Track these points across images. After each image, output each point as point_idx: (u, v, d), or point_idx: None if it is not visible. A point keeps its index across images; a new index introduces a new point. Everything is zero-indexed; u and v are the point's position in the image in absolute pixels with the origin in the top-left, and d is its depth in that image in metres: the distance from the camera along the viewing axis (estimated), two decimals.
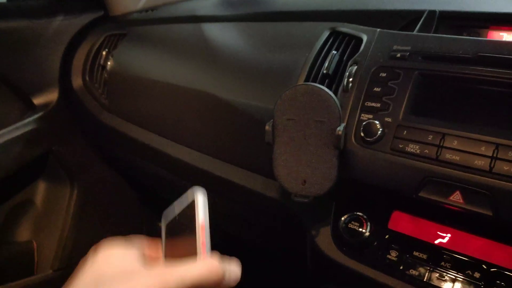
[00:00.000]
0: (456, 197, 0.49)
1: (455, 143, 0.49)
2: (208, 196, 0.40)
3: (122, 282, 0.34)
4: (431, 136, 0.50)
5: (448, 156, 0.49)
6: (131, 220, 1.22)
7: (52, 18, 0.97)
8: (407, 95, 0.53)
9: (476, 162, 0.47)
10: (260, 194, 0.67)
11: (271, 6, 0.87)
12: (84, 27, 1.01)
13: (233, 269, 0.38)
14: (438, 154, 0.49)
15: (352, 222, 0.59)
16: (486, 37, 0.61)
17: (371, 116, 0.55)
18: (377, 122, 0.53)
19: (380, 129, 0.53)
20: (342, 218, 0.60)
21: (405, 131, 0.52)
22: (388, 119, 0.53)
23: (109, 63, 0.92)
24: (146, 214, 1.21)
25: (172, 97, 0.79)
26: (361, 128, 0.54)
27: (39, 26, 0.95)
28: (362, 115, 0.55)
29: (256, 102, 0.67)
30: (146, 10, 1.03)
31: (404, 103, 0.53)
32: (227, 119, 0.72)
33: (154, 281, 0.34)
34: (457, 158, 0.48)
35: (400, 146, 0.52)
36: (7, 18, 0.92)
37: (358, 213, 0.60)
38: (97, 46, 0.96)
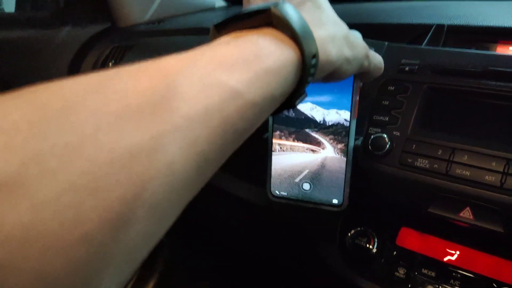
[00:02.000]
0: (466, 214, 0.48)
1: (465, 158, 0.48)
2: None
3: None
4: (441, 151, 0.49)
5: (458, 171, 0.48)
6: None
7: (59, 28, 0.98)
8: (415, 108, 0.53)
9: (486, 177, 0.47)
10: (264, 207, 0.66)
11: None
12: (91, 38, 1.02)
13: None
14: (448, 169, 0.49)
15: (359, 238, 0.58)
16: (495, 52, 0.60)
17: (379, 130, 0.54)
18: (385, 136, 0.53)
19: (389, 143, 0.52)
20: (349, 234, 0.59)
21: (414, 145, 0.51)
22: (397, 133, 0.53)
23: None
24: None
25: None
26: (369, 142, 0.53)
27: (47, 36, 0.96)
28: (370, 128, 0.55)
29: None
30: (153, 22, 1.04)
31: (413, 116, 0.52)
32: None
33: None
34: (467, 173, 0.48)
35: (409, 160, 0.51)
36: (15, 28, 0.93)
37: (365, 228, 0.59)
38: (103, 57, 0.96)
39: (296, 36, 0.31)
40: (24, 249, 0.17)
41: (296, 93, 0.34)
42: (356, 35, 0.42)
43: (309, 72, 0.33)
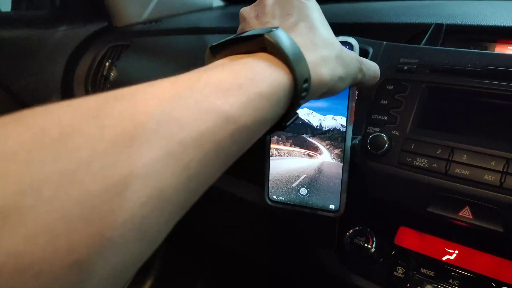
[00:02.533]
0: (465, 213, 0.48)
1: (464, 158, 0.48)
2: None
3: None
4: (440, 150, 0.49)
5: (457, 170, 0.48)
6: None
7: (56, 28, 0.97)
8: (414, 108, 0.53)
9: (486, 177, 0.46)
10: (261, 206, 0.66)
11: None
12: (87, 38, 1.01)
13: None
14: (447, 168, 0.48)
15: (358, 237, 0.58)
16: (494, 51, 0.60)
17: (378, 129, 0.54)
18: (384, 135, 0.52)
19: (387, 142, 0.52)
20: (347, 233, 0.59)
21: (413, 145, 0.51)
22: (395, 132, 0.52)
23: (112, 74, 0.91)
24: None
25: None
26: (368, 141, 0.53)
27: (43, 36, 0.95)
28: (369, 128, 0.54)
29: None
30: (150, 22, 1.03)
31: (412, 116, 0.52)
32: None
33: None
34: (467, 172, 0.47)
35: (408, 159, 0.51)
36: (11, 27, 0.92)
37: (363, 228, 0.59)
38: (100, 56, 0.95)
39: (288, 62, 0.32)
40: (17, 276, 0.17)
41: (287, 115, 0.34)
42: (349, 53, 0.42)
43: (301, 96, 0.33)
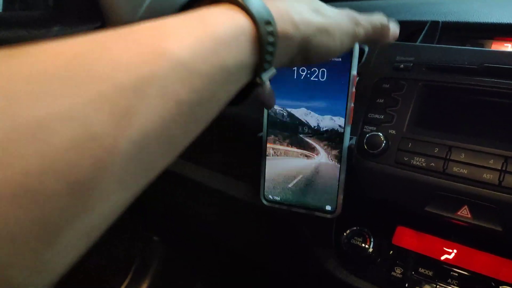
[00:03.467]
0: (464, 212, 0.48)
1: (462, 156, 0.47)
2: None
3: None
4: (437, 149, 0.49)
5: (456, 169, 0.47)
6: (121, 235, 1.18)
7: (48, 28, 0.96)
8: (411, 106, 0.52)
9: (484, 175, 0.46)
10: (258, 206, 0.65)
11: None
12: None
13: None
14: (445, 167, 0.48)
15: (355, 238, 0.58)
16: (491, 48, 0.60)
17: (374, 128, 0.53)
18: (380, 134, 0.52)
19: (384, 142, 0.51)
20: (345, 233, 0.58)
21: (410, 144, 0.50)
22: (392, 131, 0.52)
23: None
24: (145, 232, 1.18)
25: None
26: (365, 141, 0.52)
27: (35, 37, 0.94)
28: (365, 127, 0.54)
29: (252, 113, 0.65)
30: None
31: (409, 114, 0.52)
32: (228, 131, 0.70)
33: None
34: (465, 171, 0.47)
35: (405, 159, 0.50)
36: (3, 28, 0.91)
37: (361, 227, 0.58)
38: None
39: (243, 5, 0.29)
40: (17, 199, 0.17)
41: (259, 67, 0.31)
42: (332, 8, 0.38)
43: (267, 41, 0.30)
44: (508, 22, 0.58)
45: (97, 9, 1.02)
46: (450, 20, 0.62)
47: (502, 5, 0.65)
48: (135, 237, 1.19)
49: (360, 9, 0.79)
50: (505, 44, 0.59)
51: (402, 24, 0.67)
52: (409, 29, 0.65)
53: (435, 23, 0.61)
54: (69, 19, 1.04)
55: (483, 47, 0.61)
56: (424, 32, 0.61)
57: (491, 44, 0.60)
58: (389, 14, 0.70)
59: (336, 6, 0.77)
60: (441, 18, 0.62)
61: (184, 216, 0.93)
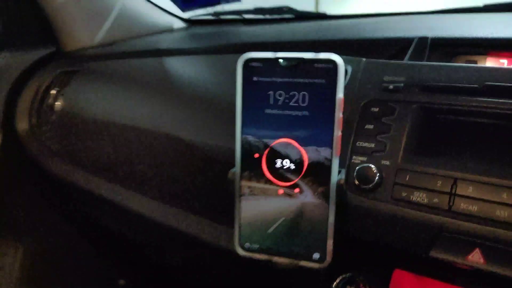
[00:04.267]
0: (476, 256, 0.40)
1: (470, 190, 0.40)
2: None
3: None
4: (440, 182, 0.42)
5: (463, 206, 0.40)
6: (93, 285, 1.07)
7: None
8: (405, 132, 0.45)
9: (497, 212, 0.39)
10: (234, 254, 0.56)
11: (243, 37, 0.80)
12: (32, 64, 0.90)
13: None
14: (451, 204, 0.41)
15: (347, 287, 0.50)
16: (485, 65, 0.54)
17: (365, 159, 0.46)
18: (372, 166, 0.45)
19: (378, 175, 0.44)
20: (335, 283, 0.50)
21: (408, 176, 0.43)
22: (386, 162, 0.45)
23: (58, 103, 0.81)
24: (111, 276, 1.06)
25: (130, 141, 0.69)
26: (355, 174, 0.45)
27: None
28: (354, 157, 0.47)
29: (228, 145, 0.57)
30: (103, 46, 0.94)
31: (403, 142, 0.45)
32: (194, 164, 0.62)
33: None
34: (474, 208, 0.40)
35: (403, 194, 0.43)
36: None
37: (353, 274, 0.50)
38: (46, 84, 0.85)
39: None
40: None
41: None
42: None
43: None
44: (503, 36, 0.53)
45: (51, 33, 0.93)
46: (439, 35, 0.56)
47: (493, 21, 0.60)
48: (102, 281, 1.08)
49: (338, 29, 0.74)
50: (501, 60, 0.53)
51: (386, 42, 0.61)
52: (394, 47, 0.59)
53: (423, 39, 0.55)
54: (20, 43, 0.94)
55: (476, 64, 0.55)
56: (411, 49, 0.55)
57: (486, 60, 0.54)
58: (370, 32, 0.65)
59: (319, 25, 0.71)
60: (427, 34, 0.57)
61: (151, 260, 0.83)
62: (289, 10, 1.05)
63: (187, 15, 1.17)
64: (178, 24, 1.14)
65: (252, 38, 0.78)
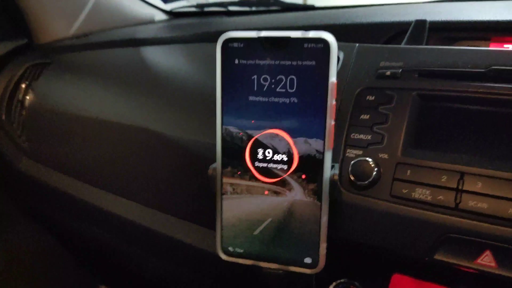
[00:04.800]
0: (486, 259, 0.36)
1: (479, 186, 0.36)
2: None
3: None
4: (445, 177, 0.37)
5: (472, 203, 0.36)
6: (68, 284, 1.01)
7: None
8: (405, 122, 0.41)
9: (510, 210, 0.35)
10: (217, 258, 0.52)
11: (228, 26, 0.75)
12: (2, 57, 0.85)
13: None
14: (458, 201, 0.37)
15: None
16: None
17: (360, 152, 0.42)
18: (369, 159, 0.40)
19: (375, 169, 0.40)
20: None
21: (409, 171, 0.39)
22: (384, 155, 0.40)
23: (27, 97, 0.75)
24: (86, 281, 1.01)
25: (104, 137, 0.64)
26: (349, 169, 0.41)
27: None
28: (348, 151, 0.42)
29: (207, 139, 0.53)
30: (78, 37, 0.88)
31: (403, 133, 0.41)
32: (174, 161, 0.57)
33: None
34: (484, 205, 0.36)
35: (404, 191, 0.39)
36: None
37: (348, 280, 0.46)
38: (16, 78, 0.79)
39: None
40: None
41: None
42: None
43: None
44: (507, 19, 0.49)
45: (22, 25, 0.87)
46: (438, 19, 0.52)
47: (494, 6, 0.56)
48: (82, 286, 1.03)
49: (329, 16, 0.69)
50: (505, 45, 0.49)
51: (381, 26, 0.57)
52: (390, 32, 0.55)
53: (421, 23, 0.50)
54: None
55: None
56: (409, 32, 0.50)
57: (489, 45, 0.50)
58: (364, 17, 0.61)
59: (313, 15, 0.66)
60: (427, 18, 0.52)
61: (130, 265, 0.78)
62: (276, 2, 1.01)
63: (169, 6, 1.12)
64: (160, 16, 1.09)
65: (237, 27, 0.73)
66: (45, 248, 0.94)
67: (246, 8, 1.02)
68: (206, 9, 1.05)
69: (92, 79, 0.70)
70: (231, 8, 1.03)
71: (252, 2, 1.02)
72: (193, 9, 1.07)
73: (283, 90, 0.37)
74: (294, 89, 0.37)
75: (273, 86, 0.37)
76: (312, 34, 0.36)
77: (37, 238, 0.92)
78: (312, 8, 0.97)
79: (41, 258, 0.94)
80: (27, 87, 0.77)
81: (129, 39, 0.76)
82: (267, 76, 0.37)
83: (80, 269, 1.01)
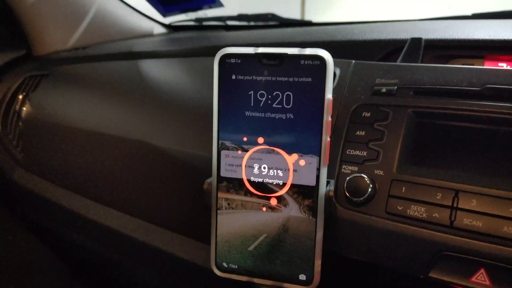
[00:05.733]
0: (481, 278, 0.36)
1: (473, 204, 0.36)
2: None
3: None
4: (440, 194, 0.37)
5: (466, 221, 0.36)
6: None
7: None
8: (400, 139, 0.41)
9: (505, 229, 0.35)
10: (210, 273, 0.51)
11: (226, 40, 0.76)
12: (0, 68, 0.84)
13: None
14: (453, 219, 0.36)
15: None
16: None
17: (356, 169, 0.41)
18: (365, 176, 0.40)
19: (371, 185, 0.39)
20: None
21: (404, 188, 0.39)
22: (379, 172, 0.40)
23: (24, 108, 0.75)
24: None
25: (99, 149, 0.63)
26: (345, 185, 0.40)
27: None
28: (344, 167, 0.42)
29: (204, 153, 0.52)
30: (77, 49, 0.88)
31: (398, 150, 0.41)
32: (169, 174, 0.56)
33: None
34: (479, 224, 0.36)
35: (399, 208, 0.38)
36: None
37: None
38: (13, 89, 0.79)
39: None
40: None
41: None
42: None
43: None
44: (502, 38, 0.49)
45: (21, 36, 0.87)
46: (434, 37, 0.52)
47: (489, 25, 0.56)
48: None
49: (327, 32, 0.70)
50: (500, 64, 0.50)
51: (377, 44, 0.57)
52: (385, 49, 0.56)
53: (416, 40, 0.51)
54: None
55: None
56: (404, 50, 0.51)
57: (483, 63, 0.51)
58: (359, 35, 0.61)
59: (310, 31, 0.67)
60: (422, 36, 0.53)
61: (122, 277, 0.77)
62: (274, 17, 1.02)
63: (168, 20, 1.12)
64: (159, 29, 1.10)
65: (235, 41, 0.73)
66: (38, 258, 0.93)
67: (244, 23, 1.03)
68: (204, 23, 1.06)
69: (89, 92, 0.70)
70: (230, 22, 1.04)
71: (250, 17, 1.03)
72: (192, 23, 1.08)
73: (280, 106, 0.37)
74: (291, 105, 0.37)
75: (269, 102, 0.38)
76: (308, 51, 0.36)
77: (30, 248, 0.91)
78: (309, 24, 0.98)
79: (34, 268, 0.93)
80: (24, 98, 0.77)
81: (127, 52, 0.76)
82: (264, 92, 0.37)
83: (72, 280, 1.00)
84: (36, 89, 0.77)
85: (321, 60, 0.36)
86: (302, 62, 0.36)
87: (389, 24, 0.70)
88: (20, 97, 0.77)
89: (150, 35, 1.06)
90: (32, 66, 0.84)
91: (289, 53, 0.36)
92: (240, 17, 1.04)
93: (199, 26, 1.06)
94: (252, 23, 1.03)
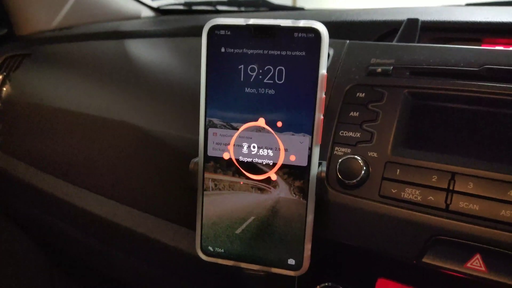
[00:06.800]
0: (476, 264, 0.35)
1: (470, 186, 0.35)
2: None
3: None
4: (436, 177, 0.36)
5: (462, 204, 0.35)
6: None
7: None
8: (395, 121, 0.39)
9: (502, 212, 0.34)
10: (196, 259, 0.50)
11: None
12: None
13: None
14: (448, 202, 0.35)
15: None
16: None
17: (348, 150, 0.40)
18: (358, 157, 0.39)
19: (364, 168, 0.38)
20: None
21: (398, 170, 0.37)
22: (373, 154, 0.39)
23: (4, 88, 0.72)
24: (59, 282, 0.97)
25: (82, 130, 0.61)
26: (337, 167, 0.39)
27: None
28: (337, 148, 0.41)
29: (190, 134, 0.50)
30: (61, 29, 0.85)
31: (393, 131, 0.39)
32: (154, 157, 0.54)
33: None
34: (476, 207, 0.34)
35: (393, 191, 0.37)
36: None
37: (332, 284, 0.44)
38: None
39: None
40: None
41: None
42: None
43: None
44: (499, 20, 0.48)
45: (3, 16, 0.84)
46: (430, 19, 0.51)
47: (488, 11, 0.55)
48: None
49: (320, 14, 0.68)
50: (497, 47, 0.48)
51: (372, 24, 0.56)
52: (380, 30, 0.54)
53: (413, 21, 0.49)
54: None
55: None
56: (401, 30, 0.49)
57: (480, 46, 0.49)
58: (355, 16, 0.60)
59: (303, 14, 0.65)
60: (419, 17, 0.51)
61: (105, 264, 0.75)
62: (264, 2, 1.00)
63: (156, 3, 1.10)
64: (147, 12, 1.07)
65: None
66: (17, 246, 0.90)
67: (235, 8, 1.01)
68: (194, 7, 1.03)
69: (72, 72, 0.68)
70: (220, 7, 1.01)
71: (241, 2, 1.01)
72: (181, 7, 1.05)
73: (271, 81, 0.35)
74: (283, 80, 0.35)
75: (260, 76, 0.36)
76: (303, 23, 0.34)
77: (9, 235, 0.88)
78: (301, 10, 0.96)
79: (14, 256, 0.90)
80: (4, 78, 0.74)
81: (112, 32, 0.73)
82: (255, 66, 0.36)
83: (52, 268, 0.97)
84: (17, 69, 0.74)
85: (316, 33, 0.34)
86: (295, 35, 0.34)
87: (385, 9, 0.69)
88: (0, 77, 0.74)
89: (137, 17, 1.03)
90: (14, 46, 0.80)
91: (282, 25, 0.34)
92: (230, 3, 1.02)
93: (188, 10, 1.03)
94: (242, 9, 1.01)
